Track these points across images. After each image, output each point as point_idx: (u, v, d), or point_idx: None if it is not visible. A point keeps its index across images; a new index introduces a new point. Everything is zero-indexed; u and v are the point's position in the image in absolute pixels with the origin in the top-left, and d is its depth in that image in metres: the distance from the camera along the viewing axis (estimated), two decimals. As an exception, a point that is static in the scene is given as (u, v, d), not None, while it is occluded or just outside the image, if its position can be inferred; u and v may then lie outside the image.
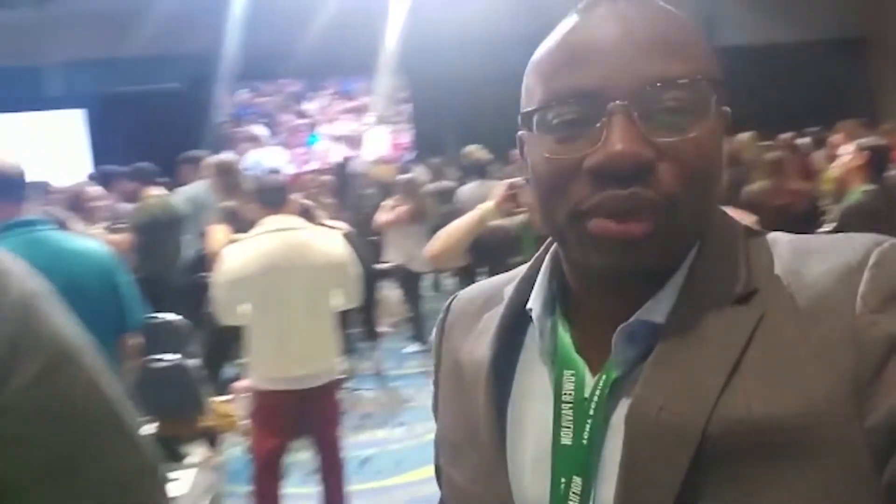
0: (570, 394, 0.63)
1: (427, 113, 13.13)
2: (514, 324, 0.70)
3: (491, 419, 0.67)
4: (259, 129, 12.60)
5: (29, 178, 2.17)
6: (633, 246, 0.57)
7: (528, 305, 0.68)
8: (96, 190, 4.23)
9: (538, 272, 0.70)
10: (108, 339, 2.24)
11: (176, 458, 3.67)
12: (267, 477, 3.13)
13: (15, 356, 0.77)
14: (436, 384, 0.80)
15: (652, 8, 0.61)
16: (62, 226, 3.13)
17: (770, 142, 6.57)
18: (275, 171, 7.85)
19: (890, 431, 0.51)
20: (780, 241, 0.62)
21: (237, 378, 4.29)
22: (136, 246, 4.48)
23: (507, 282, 0.74)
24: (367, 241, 6.77)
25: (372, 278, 5.73)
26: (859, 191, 3.31)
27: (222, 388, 3.97)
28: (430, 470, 3.48)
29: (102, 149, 11.66)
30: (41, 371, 0.78)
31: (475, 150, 8.19)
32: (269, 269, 2.91)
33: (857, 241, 0.59)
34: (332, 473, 3.22)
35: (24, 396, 0.77)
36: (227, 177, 4.27)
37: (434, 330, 0.83)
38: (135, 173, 5.20)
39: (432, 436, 3.41)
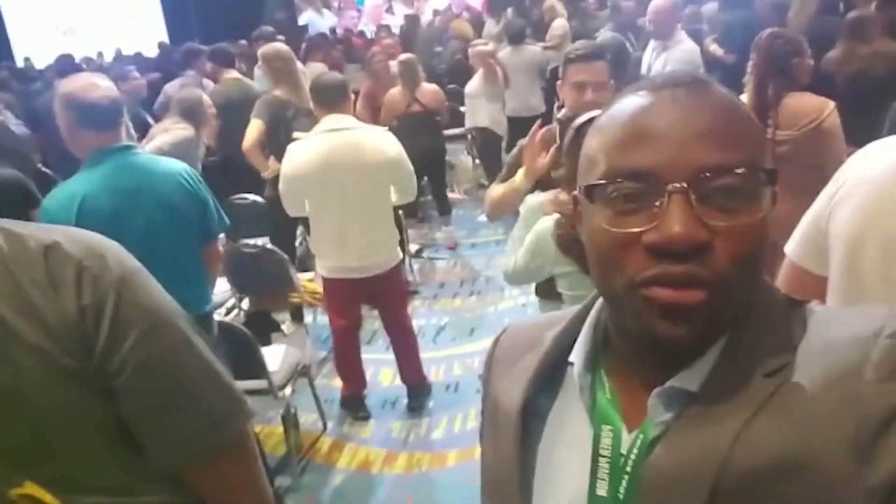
0: (608, 448, 0.67)
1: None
2: (551, 372, 0.75)
3: (517, 463, 0.72)
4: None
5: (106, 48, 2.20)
6: (687, 314, 0.60)
7: (571, 358, 0.72)
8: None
9: (580, 325, 0.74)
10: (194, 247, 2.46)
11: (273, 328, 4.09)
12: (345, 347, 3.49)
13: (121, 324, 0.95)
14: (482, 415, 0.84)
15: (712, 97, 0.64)
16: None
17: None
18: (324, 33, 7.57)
19: (888, 494, 0.55)
20: (815, 312, 0.66)
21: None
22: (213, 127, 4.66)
23: (549, 326, 0.78)
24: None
25: (438, 148, 5.80)
26: None
27: (301, 263, 4.25)
28: None
29: (176, 14, 11.73)
30: (142, 334, 0.96)
31: (556, 5, 7.88)
32: (325, 168, 3.07)
33: (876, 312, 0.62)
34: (403, 347, 3.54)
35: (133, 356, 0.96)
36: (274, 64, 4.17)
37: (485, 363, 0.87)
38: (213, 55, 5.31)
39: (504, 305, 3.77)
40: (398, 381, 3.66)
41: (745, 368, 0.62)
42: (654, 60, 4.09)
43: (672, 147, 0.61)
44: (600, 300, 0.74)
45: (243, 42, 7.76)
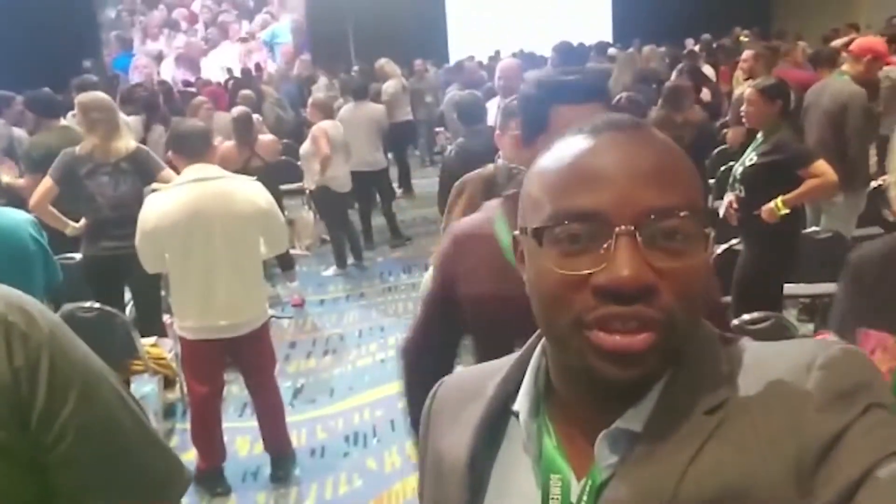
0: (557, 498, 0.67)
1: (324, 15, 12.70)
2: (495, 422, 0.74)
3: None
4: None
5: None
6: (635, 358, 0.61)
7: (515, 407, 0.72)
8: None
9: (522, 372, 0.74)
10: (41, 300, 2.25)
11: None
12: (206, 416, 3.22)
13: (59, 387, 0.85)
14: (421, 472, 0.83)
15: (653, 140, 0.67)
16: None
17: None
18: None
19: None
20: (749, 348, 0.69)
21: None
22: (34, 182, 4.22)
23: (490, 375, 0.77)
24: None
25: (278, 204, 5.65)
26: (757, 143, 3.42)
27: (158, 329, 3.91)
28: (364, 397, 3.76)
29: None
30: (80, 397, 0.87)
31: (386, 65, 8.08)
32: (190, 220, 2.88)
33: (810, 345, 0.66)
34: (270, 412, 3.31)
35: (73, 422, 0.86)
36: (92, 115, 3.81)
37: (421, 417, 0.86)
38: (32, 104, 4.81)
39: (362, 362, 3.68)
40: (257, 450, 3.43)
41: (686, 406, 0.64)
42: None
43: (618, 189, 0.62)
44: (540, 345, 0.74)
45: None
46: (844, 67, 4.27)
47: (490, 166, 2.56)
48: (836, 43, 6.47)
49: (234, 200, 2.97)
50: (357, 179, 6.30)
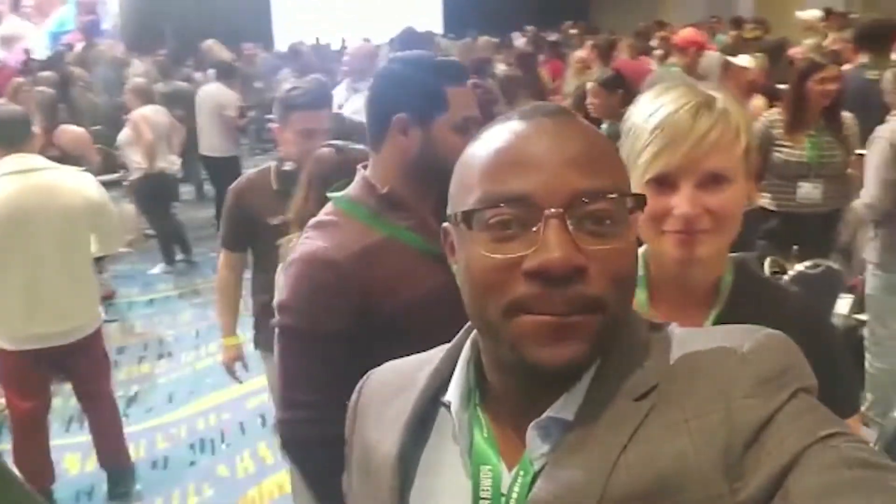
0: (488, 490, 0.66)
1: None
2: (424, 415, 0.72)
3: None
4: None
5: None
6: (566, 335, 0.61)
7: (446, 398, 0.71)
8: None
9: (453, 363, 0.73)
10: None
11: None
12: (30, 436, 2.89)
13: None
14: (348, 467, 0.81)
15: (579, 126, 0.67)
16: None
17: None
18: None
19: None
20: (676, 334, 0.69)
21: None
22: None
23: (419, 367, 0.76)
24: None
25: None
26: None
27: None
28: (208, 401, 3.52)
29: None
30: None
31: (214, 46, 7.63)
32: (11, 217, 2.59)
33: (737, 331, 0.67)
34: (106, 424, 3.03)
35: None
36: None
37: (348, 411, 0.82)
38: None
39: (202, 364, 3.40)
40: (89, 467, 3.14)
41: (616, 393, 0.64)
42: (347, 100, 4.18)
43: (547, 173, 0.63)
44: (471, 336, 0.73)
45: None
46: (672, 59, 4.61)
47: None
48: (654, 41, 6.96)
49: (62, 194, 2.69)
50: (210, 164, 6.05)
